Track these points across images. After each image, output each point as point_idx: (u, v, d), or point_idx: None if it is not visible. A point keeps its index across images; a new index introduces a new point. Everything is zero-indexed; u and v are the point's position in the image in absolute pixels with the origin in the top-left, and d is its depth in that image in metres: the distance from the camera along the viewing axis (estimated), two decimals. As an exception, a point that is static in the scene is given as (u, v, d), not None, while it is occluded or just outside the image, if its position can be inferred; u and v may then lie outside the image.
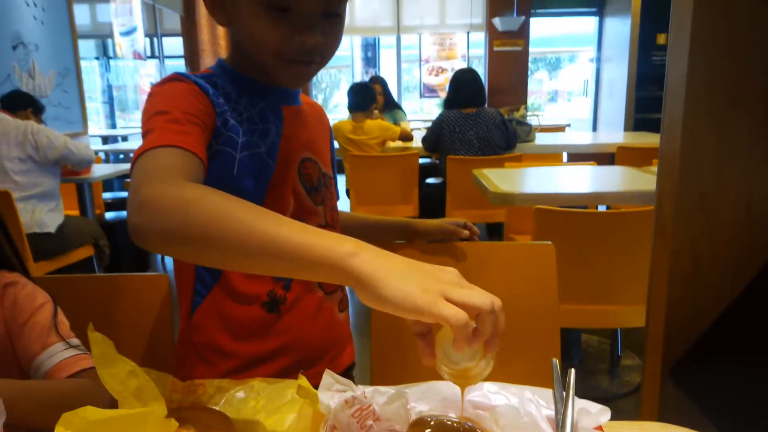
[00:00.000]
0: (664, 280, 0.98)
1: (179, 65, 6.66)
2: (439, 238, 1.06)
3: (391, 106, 4.68)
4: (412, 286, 0.48)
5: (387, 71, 8.14)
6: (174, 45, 6.62)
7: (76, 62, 4.00)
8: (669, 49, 0.84)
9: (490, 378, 0.58)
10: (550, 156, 3.63)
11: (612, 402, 2.07)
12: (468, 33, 7.92)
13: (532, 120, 4.26)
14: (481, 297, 0.49)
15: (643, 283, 1.13)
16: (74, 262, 2.67)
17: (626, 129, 6.67)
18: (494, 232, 3.50)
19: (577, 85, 9.78)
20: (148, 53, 6.10)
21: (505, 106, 6.36)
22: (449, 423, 0.57)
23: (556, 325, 1.18)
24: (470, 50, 8.02)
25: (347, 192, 3.49)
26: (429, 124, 3.54)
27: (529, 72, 7.94)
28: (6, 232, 0.81)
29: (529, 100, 8.18)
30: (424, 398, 0.67)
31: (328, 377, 0.68)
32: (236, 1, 0.74)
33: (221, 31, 6.98)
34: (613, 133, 5.39)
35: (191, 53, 6.30)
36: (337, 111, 8.75)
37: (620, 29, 6.90)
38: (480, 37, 7.92)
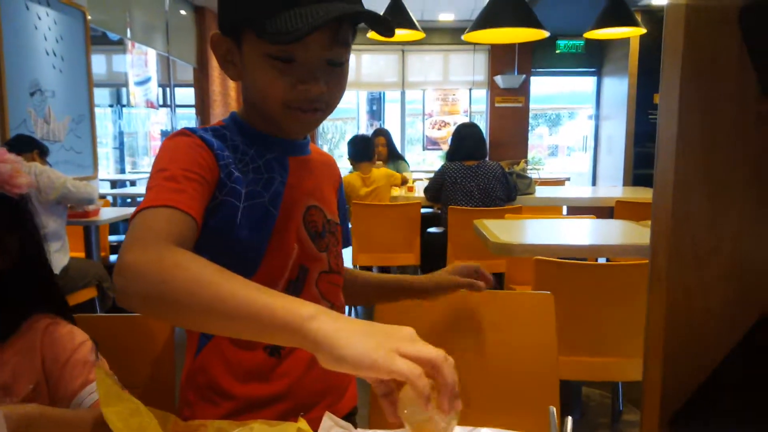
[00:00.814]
0: (660, 332, 0.99)
1: (190, 114, 6.84)
2: (453, 292, 1.07)
3: (395, 157, 4.78)
4: (368, 344, 0.51)
5: (391, 124, 8.33)
6: (186, 94, 6.82)
7: (90, 109, 4.13)
8: (659, 109, 0.89)
9: (488, 426, 0.59)
10: (550, 209, 3.68)
11: (614, 459, 2.03)
12: (470, 89, 8.15)
13: (533, 173, 4.33)
14: (433, 351, 0.52)
15: (642, 336, 1.15)
16: (77, 304, 2.68)
17: (625, 184, 6.77)
18: (495, 281, 3.51)
19: (577, 140, 9.97)
20: (161, 102, 6.28)
21: (505, 159, 6.49)
22: None
23: (555, 376, 1.19)
24: (472, 105, 8.23)
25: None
26: (431, 175, 3.61)
27: (529, 127, 8.12)
28: (52, 275, 0.84)
29: (530, 154, 8.33)
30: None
31: (328, 420, 0.69)
32: (244, 55, 0.78)
33: (231, 82, 7.20)
34: (612, 188, 5.47)
35: (202, 103, 6.49)
36: (343, 161, 8.89)
37: (618, 88, 7.11)
38: (482, 94, 8.15)
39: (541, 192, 3.88)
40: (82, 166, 4.03)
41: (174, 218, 0.67)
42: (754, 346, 0.90)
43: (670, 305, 0.94)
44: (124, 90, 6.83)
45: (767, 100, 0.79)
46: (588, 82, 8.11)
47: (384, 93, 8.46)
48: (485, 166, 3.33)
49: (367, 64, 8.02)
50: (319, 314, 0.54)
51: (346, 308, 1.04)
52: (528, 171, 4.02)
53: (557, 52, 7.79)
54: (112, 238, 4.07)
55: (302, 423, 0.66)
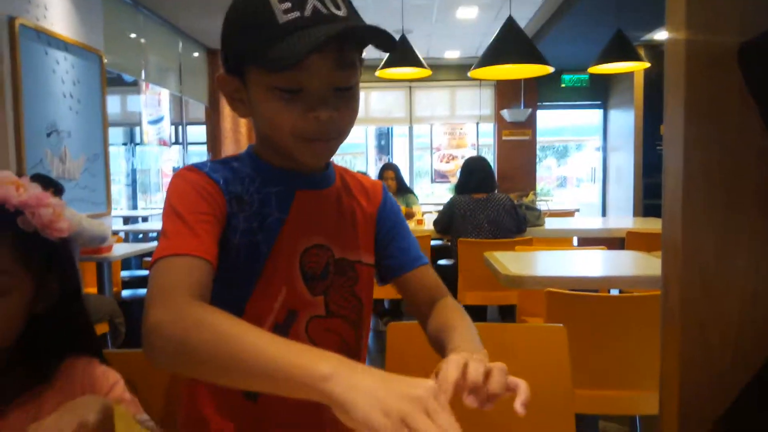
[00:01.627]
0: (675, 366, 0.98)
1: (201, 151, 6.96)
2: None
3: (404, 191, 4.82)
4: (374, 410, 0.51)
5: (399, 158, 8.42)
6: (197, 132, 6.96)
7: (104, 148, 4.22)
8: (664, 143, 0.90)
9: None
10: (560, 240, 3.68)
11: (634, 498, 1.97)
12: (477, 123, 8.24)
13: (542, 205, 4.35)
14: (438, 430, 0.50)
15: (658, 368, 1.14)
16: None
17: (635, 214, 6.75)
18: (507, 313, 3.49)
19: (585, 171, 9.99)
20: (173, 140, 6.41)
21: (514, 191, 6.51)
22: None
23: (570, 410, 1.17)
24: (480, 139, 8.31)
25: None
26: (440, 208, 3.63)
27: (537, 159, 8.17)
28: (89, 317, 0.84)
29: (538, 186, 8.35)
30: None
31: None
32: (250, 91, 0.77)
33: (242, 119, 7.33)
34: (623, 218, 5.45)
35: (213, 140, 6.60)
36: (351, 195, 8.92)
37: (624, 120, 7.16)
38: (489, 127, 8.24)
39: (550, 223, 3.88)
40: (96, 204, 4.10)
41: (192, 266, 0.69)
42: (771, 378, 0.89)
43: (684, 339, 0.94)
44: (137, 129, 6.98)
45: (770, 133, 0.80)
46: (594, 115, 8.18)
47: (392, 128, 8.58)
48: (494, 199, 3.35)
49: (376, 100, 8.15)
50: (336, 373, 0.54)
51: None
52: (537, 202, 4.04)
53: (563, 86, 7.89)
54: (125, 273, 4.10)
55: None
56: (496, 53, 3.62)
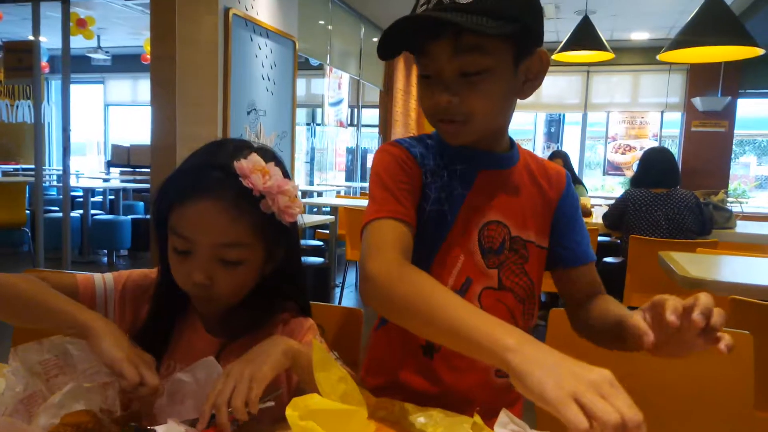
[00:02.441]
0: None
1: (373, 133, 7.35)
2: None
3: (573, 181, 4.62)
4: (549, 380, 0.53)
5: (570, 146, 8.03)
6: (370, 115, 7.36)
7: (292, 127, 4.68)
8: None
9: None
10: (754, 247, 3.25)
11: None
12: (662, 112, 7.53)
13: (734, 206, 3.87)
14: (611, 412, 0.49)
15: None
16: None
17: None
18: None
19: (795, 172, 8.58)
20: (349, 121, 6.86)
21: (701, 189, 5.85)
22: None
23: (748, 428, 1.08)
24: (663, 129, 7.59)
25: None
26: (610, 202, 3.42)
27: (732, 155, 7.22)
28: (305, 284, 0.97)
29: (731, 185, 7.39)
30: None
31: (504, 416, 0.73)
32: None
33: (413, 104, 7.57)
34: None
35: (385, 123, 6.93)
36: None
37: None
38: (675, 117, 7.47)
39: (743, 227, 3.45)
40: (282, 177, 4.58)
41: (398, 228, 0.82)
42: None
43: None
44: (318, 110, 7.59)
45: None
46: (813, 105, 6.99)
47: (563, 115, 8.20)
48: (676, 195, 3.07)
49: (548, 85, 7.85)
50: (521, 346, 0.58)
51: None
52: (728, 203, 3.61)
53: (773, 71, 6.84)
54: (301, 242, 4.53)
55: (477, 418, 0.71)
56: (694, 33, 3.27)
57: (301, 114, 8.13)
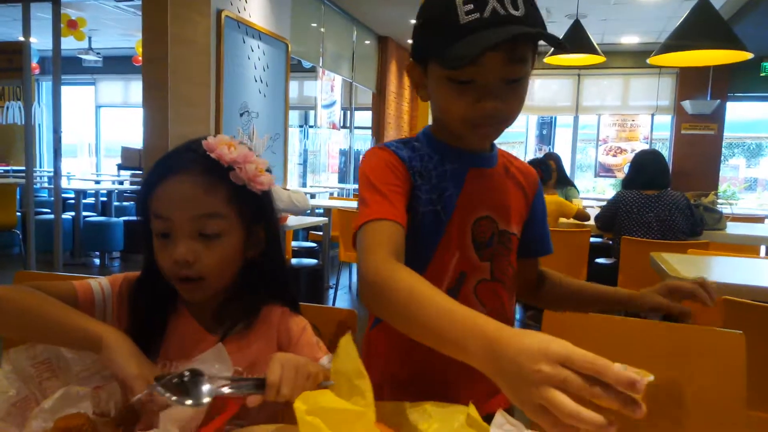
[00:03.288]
0: None
1: (366, 135, 7.35)
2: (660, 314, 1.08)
3: (564, 183, 4.64)
4: (515, 396, 0.54)
5: (561, 148, 8.07)
6: (363, 117, 7.35)
7: (285, 129, 4.67)
8: None
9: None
10: (743, 248, 3.28)
11: None
12: (653, 115, 7.59)
13: (724, 208, 3.90)
14: (572, 411, 0.49)
15: None
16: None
17: None
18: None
19: (783, 174, 8.69)
20: (342, 124, 6.86)
21: (691, 191, 5.90)
22: None
23: (740, 426, 1.09)
24: (654, 132, 7.65)
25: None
26: (602, 203, 3.44)
27: (722, 157, 7.30)
28: (286, 268, 0.99)
29: (721, 187, 7.46)
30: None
31: (500, 416, 0.73)
32: (429, 79, 0.88)
33: (406, 106, 7.59)
34: (828, 231, 4.67)
35: (378, 125, 6.94)
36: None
37: (842, 115, 6.08)
38: (666, 119, 7.54)
39: (733, 228, 3.48)
40: (275, 180, 4.57)
41: (389, 229, 0.82)
42: None
43: None
44: (311, 112, 7.58)
45: None
46: (800, 108, 7.07)
47: (555, 117, 8.24)
48: (667, 196, 3.09)
49: (540, 88, 7.90)
50: (484, 359, 0.59)
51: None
52: (718, 205, 3.64)
53: (762, 74, 6.91)
54: (294, 243, 4.53)
55: (472, 409, 0.72)
56: (683, 37, 3.30)
57: (294, 116, 8.12)
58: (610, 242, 3.55)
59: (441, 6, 0.82)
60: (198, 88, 3.55)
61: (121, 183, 7.68)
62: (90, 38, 7.71)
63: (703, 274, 1.91)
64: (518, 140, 8.63)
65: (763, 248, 3.61)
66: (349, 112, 7.03)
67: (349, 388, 0.66)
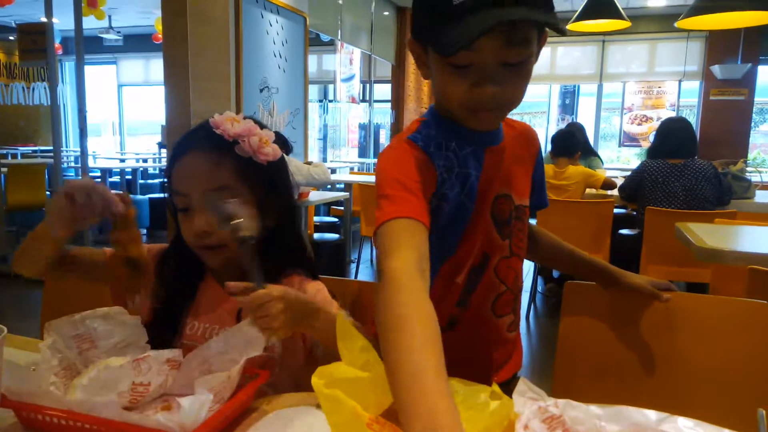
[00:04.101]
0: None
1: (386, 108, 7.30)
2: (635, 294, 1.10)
3: (588, 153, 4.57)
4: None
5: (584, 118, 7.91)
6: (383, 90, 7.29)
7: (305, 104, 4.67)
8: None
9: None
10: (773, 217, 3.21)
11: None
12: (680, 81, 7.37)
13: (753, 176, 3.81)
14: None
15: None
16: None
17: None
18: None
19: (817, 140, 8.40)
20: (361, 97, 6.82)
21: (719, 159, 5.76)
22: None
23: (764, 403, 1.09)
24: (681, 99, 7.44)
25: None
26: (626, 174, 3.38)
27: (752, 124, 7.08)
28: (303, 237, 1.01)
29: (751, 154, 7.27)
30: (616, 420, 0.70)
31: (523, 384, 0.75)
32: (429, 59, 0.84)
33: (425, 80, 7.50)
34: None
35: (397, 98, 6.88)
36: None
37: None
38: (693, 85, 7.32)
39: (762, 197, 3.40)
40: (296, 155, 4.59)
41: (412, 228, 0.75)
42: None
43: None
44: (330, 86, 7.55)
45: None
46: (837, 71, 6.79)
47: (578, 86, 8.07)
48: (693, 165, 3.03)
49: (562, 56, 7.72)
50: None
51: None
52: (747, 173, 3.55)
53: (796, 36, 6.64)
54: (316, 218, 4.57)
55: (495, 387, 0.73)
56: (712, -1, 3.18)
57: (313, 90, 8.09)
58: (634, 213, 3.50)
59: None
60: (218, 64, 3.56)
61: (145, 161, 7.79)
62: (110, 17, 7.74)
63: (728, 244, 1.88)
64: (540, 110, 8.49)
65: (793, 217, 3.52)
66: (368, 85, 6.98)
67: (357, 361, 0.67)
